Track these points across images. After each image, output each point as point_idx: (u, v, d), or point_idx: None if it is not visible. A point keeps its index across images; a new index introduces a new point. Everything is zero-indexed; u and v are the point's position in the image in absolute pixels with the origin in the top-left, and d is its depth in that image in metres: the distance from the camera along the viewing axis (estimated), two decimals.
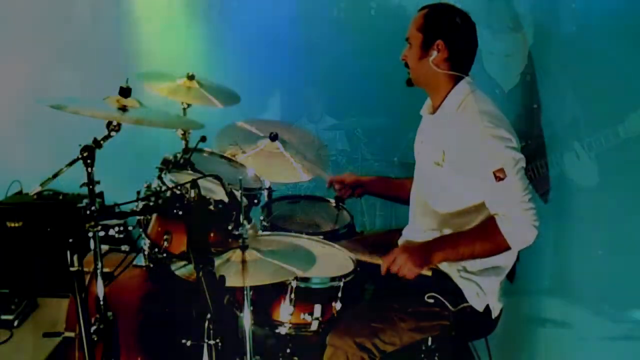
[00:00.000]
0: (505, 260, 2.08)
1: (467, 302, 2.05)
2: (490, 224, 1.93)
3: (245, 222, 1.82)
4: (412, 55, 2.06)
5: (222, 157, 2.44)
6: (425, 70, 2.04)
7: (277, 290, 1.97)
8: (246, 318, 1.85)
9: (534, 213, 1.89)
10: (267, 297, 1.99)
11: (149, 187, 2.07)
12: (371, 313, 2.04)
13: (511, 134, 1.94)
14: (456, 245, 1.95)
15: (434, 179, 2.09)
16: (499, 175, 1.88)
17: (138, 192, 2.04)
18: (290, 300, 1.96)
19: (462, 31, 2.03)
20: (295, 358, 2.20)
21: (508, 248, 1.92)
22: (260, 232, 2.23)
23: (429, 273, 1.96)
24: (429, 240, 2.04)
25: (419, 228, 2.19)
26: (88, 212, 1.66)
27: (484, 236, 1.94)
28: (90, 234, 1.71)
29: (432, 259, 1.95)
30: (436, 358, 2.16)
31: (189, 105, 2.55)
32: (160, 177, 2.03)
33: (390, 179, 2.58)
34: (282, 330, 2.00)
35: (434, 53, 2.01)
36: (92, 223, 1.65)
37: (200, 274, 1.52)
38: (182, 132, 2.44)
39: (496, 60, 3.04)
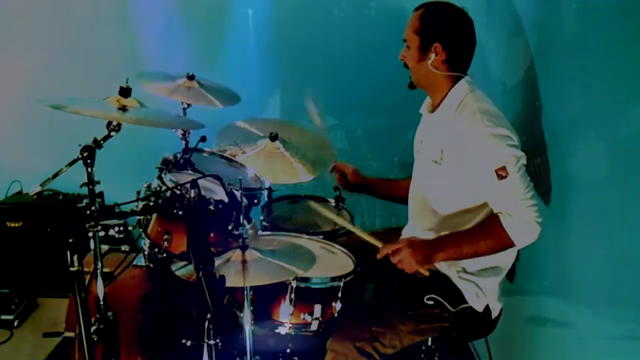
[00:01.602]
0: (505, 261, 2.08)
1: (466, 302, 2.05)
2: (493, 222, 1.92)
3: (245, 222, 1.82)
4: (411, 58, 2.05)
5: (222, 157, 2.43)
6: (425, 72, 2.03)
7: (277, 290, 1.97)
8: (246, 318, 1.85)
9: (537, 210, 1.89)
10: (267, 297, 1.99)
11: (149, 187, 2.07)
12: (371, 317, 2.04)
13: (511, 132, 1.93)
14: (460, 245, 1.95)
15: (432, 177, 2.08)
16: (501, 174, 1.87)
17: (138, 192, 2.04)
18: (290, 300, 1.96)
19: (460, 30, 2.02)
20: (295, 358, 2.20)
21: (512, 245, 1.92)
22: (260, 232, 2.23)
23: (427, 273, 1.96)
24: (433, 238, 2.03)
25: (418, 228, 2.19)
26: (88, 212, 1.65)
27: (487, 234, 1.93)
28: (90, 234, 1.71)
29: (434, 258, 1.95)
30: (436, 358, 2.16)
31: (189, 105, 2.55)
32: (160, 177, 2.03)
33: (389, 180, 2.58)
34: (282, 330, 2.00)
35: (432, 56, 2.00)
36: (92, 223, 1.65)
37: (200, 274, 1.52)
38: (182, 132, 2.44)
39: (498, 57, 3.04)
